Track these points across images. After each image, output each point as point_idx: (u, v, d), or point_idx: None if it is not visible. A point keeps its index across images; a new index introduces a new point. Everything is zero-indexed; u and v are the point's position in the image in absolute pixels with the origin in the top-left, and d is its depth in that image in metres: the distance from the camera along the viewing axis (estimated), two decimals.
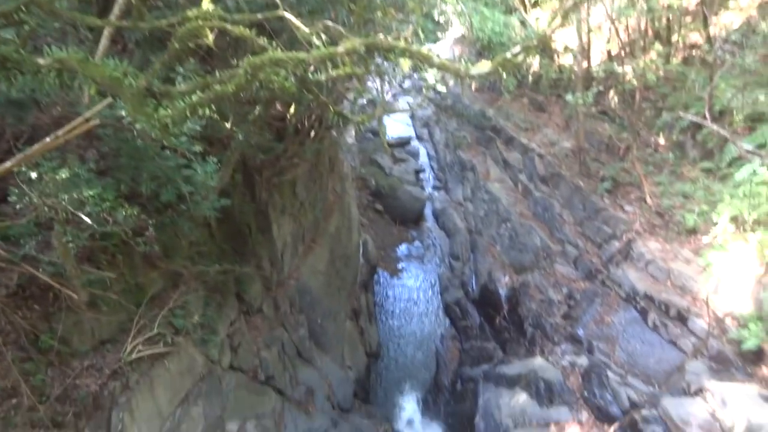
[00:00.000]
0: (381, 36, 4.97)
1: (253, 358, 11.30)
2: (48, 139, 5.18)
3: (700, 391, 10.32)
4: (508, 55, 4.27)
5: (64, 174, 6.32)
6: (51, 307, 7.26)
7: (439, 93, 23.82)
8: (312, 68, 5.16)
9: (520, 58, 4.27)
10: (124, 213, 6.84)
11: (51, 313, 7.26)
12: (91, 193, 6.54)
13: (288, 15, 5.57)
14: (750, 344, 10.60)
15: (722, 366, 10.87)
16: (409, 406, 14.34)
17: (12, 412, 6.56)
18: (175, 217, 8.81)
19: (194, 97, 4.19)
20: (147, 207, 8.43)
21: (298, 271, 13.92)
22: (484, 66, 4.34)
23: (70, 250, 6.82)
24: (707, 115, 13.37)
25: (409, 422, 13.71)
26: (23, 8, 4.43)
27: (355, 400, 13.81)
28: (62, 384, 7.10)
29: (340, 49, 4.51)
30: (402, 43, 4.52)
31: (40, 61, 3.86)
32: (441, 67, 4.48)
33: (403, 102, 25.01)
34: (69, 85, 4.08)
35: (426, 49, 4.53)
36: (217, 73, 4.62)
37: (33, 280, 7.00)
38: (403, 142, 30.97)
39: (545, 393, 12.03)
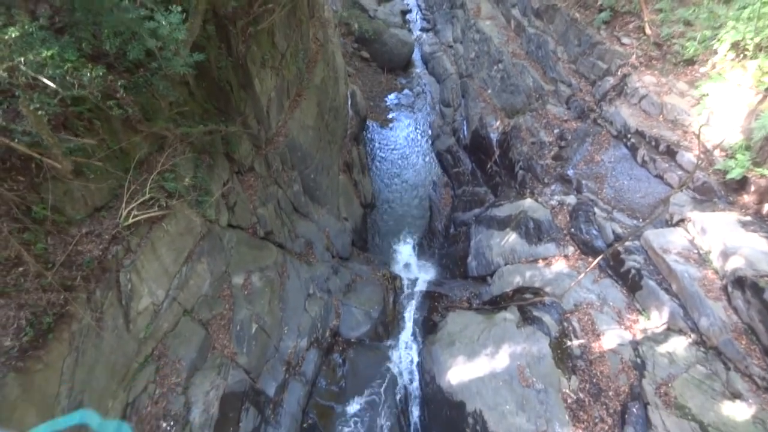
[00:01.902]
0: None
1: (250, 215, 11.52)
2: None
3: (681, 222, 10.76)
4: None
5: (13, 33, 5.75)
6: (36, 178, 7.14)
7: None
8: None
9: None
10: (89, 74, 6.38)
11: (38, 183, 7.16)
12: (49, 53, 6.03)
13: None
14: (735, 174, 10.80)
15: (705, 197, 11.20)
16: (404, 251, 15.05)
17: (21, 279, 6.79)
18: (148, 77, 8.30)
19: None
20: (115, 67, 7.90)
21: (287, 127, 13.60)
22: None
23: (41, 117, 6.50)
24: None
25: (406, 265, 14.48)
26: None
27: (354, 248, 14.44)
28: (65, 251, 7.27)
29: None
30: None
31: None
32: None
33: None
34: None
35: None
36: None
37: (11, 151, 6.79)
38: None
39: (534, 232, 12.55)
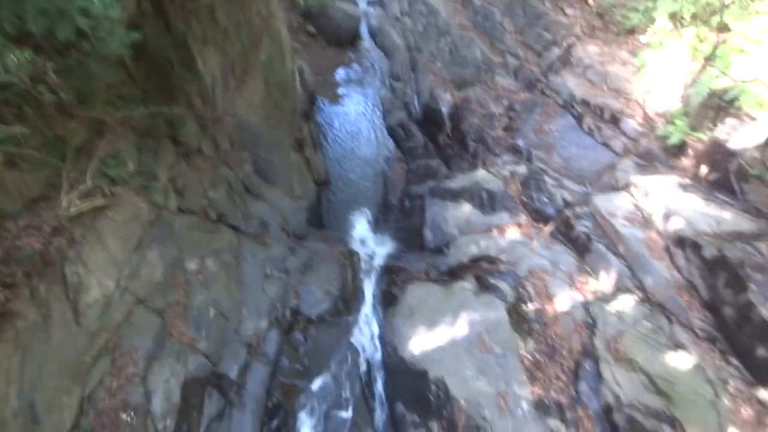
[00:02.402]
0: None
1: (200, 198, 11.21)
2: None
3: (626, 186, 11.21)
4: None
5: None
6: None
7: None
8: None
9: None
10: (15, 58, 5.96)
11: None
12: None
13: None
14: (674, 139, 11.30)
15: (648, 162, 11.69)
16: (360, 227, 15.05)
17: None
18: (81, 58, 7.82)
19: None
20: (44, 48, 7.40)
21: (234, 107, 13.19)
22: None
23: None
24: None
25: (362, 241, 14.51)
26: None
27: (309, 227, 14.31)
28: (1, 246, 6.88)
29: None
30: None
31: None
32: None
33: None
34: None
35: None
36: None
37: None
38: None
39: (488, 202, 12.80)
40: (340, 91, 20.42)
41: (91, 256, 7.98)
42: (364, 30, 23.48)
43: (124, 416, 7.93)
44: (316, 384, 10.43)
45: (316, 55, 21.80)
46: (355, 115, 19.35)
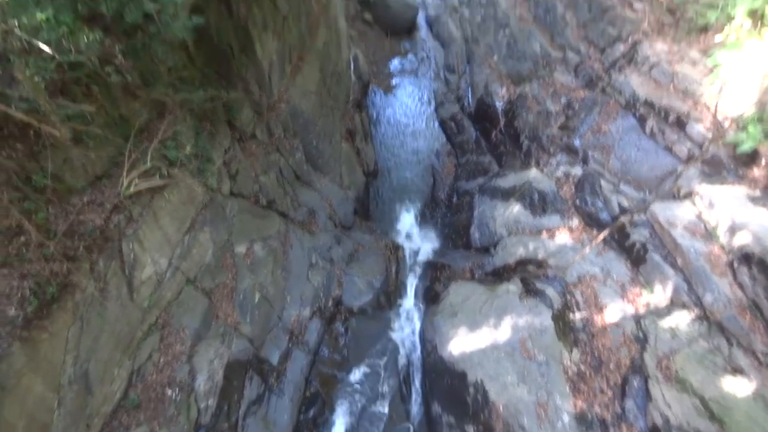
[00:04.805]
0: None
1: (252, 183, 11.39)
2: None
3: (689, 195, 10.64)
4: None
5: None
6: (35, 146, 6.98)
7: None
8: None
9: None
10: (86, 38, 6.15)
11: (36, 151, 7.01)
12: (43, 16, 5.78)
13: None
14: (746, 147, 10.61)
15: (714, 170, 11.04)
16: (407, 220, 14.94)
17: (23, 249, 6.72)
18: (146, 41, 8.01)
19: None
20: (112, 30, 7.61)
21: (288, 93, 13.29)
22: None
23: (38, 83, 6.31)
24: None
25: (408, 235, 14.40)
26: None
27: (356, 217, 14.33)
28: (66, 220, 7.18)
29: None
30: None
31: None
32: None
33: None
34: None
35: None
36: None
37: (8, 118, 6.61)
38: None
39: (539, 203, 12.44)
40: (394, 81, 20.25)
41: (147, 234, 8.23)
42: (421, 19, 23.16)
43: (169, 392, 8.20)
44: (355, 376, 10.48)
45: (372, 44, 21.67)
46: (408, 107, 19.16)
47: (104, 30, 7.03)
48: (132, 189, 7.92)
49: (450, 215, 14.80)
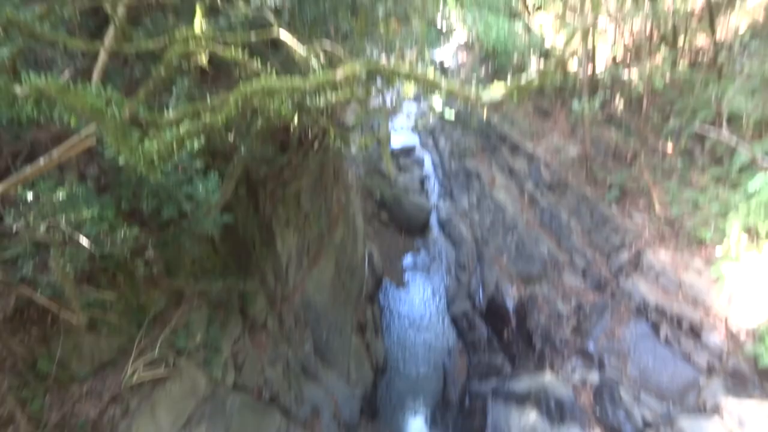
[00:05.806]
0: (383, 56, 4.76)
1: (257, 376, 11.05)
2: (42, 161, 5.01)
3: (716, 410, 10.02)
4: (523, 80, 4.05)
5: (61, 194, 6.12)
6: (49, 330, 7.07)
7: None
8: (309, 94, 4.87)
9: (535, 83, 4.05)
10: (123, 234, 6.63)
11: (49, 336, 7.07)
12: (89, 213, 6.34)
13: (283, 35, 5.34)
14: (767, 360, 10.29)
15: (739, 382, 10.56)
16: (416, 423, 14.04)
17: None
18: (177, 234, 8.60)
19: (182, 128, 3.87)
20: (148, 225, 8.24)
21: (303, 285, 13.69)
22: (497, 91, 4.10)
23: (69, 272, 6.63)
24: (723, 123, 13.07)
25: None
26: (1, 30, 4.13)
27: (362, 416, 13.52)
28: (60, 410, 6.90)
29: (339, 74, 4.24)
30: (406, 66, 4.29)
31: (17, 89, 3.47)
32: (450, 92, 4.22)
33: (407, 107, 24.87)
34: (49, 116, 3.61)
35: (432, 71, 4.24)
36: (208, 100, 4.33)
37: (31, 302, 6.81)
38: (408, 150, 30.78)
39: (556, 411, 11.74)
40: (407, 276, 20.89)
41: (141, 429, 7.77)
42: (434, 220, 24.79)
43: None
44: None
45: (387, 241, 22.91)
46: (419, 302, 19.43)
47: (140, 225, 7.62)
48: (135, 378, 7.73)
49: (462, 420, 13.92)
